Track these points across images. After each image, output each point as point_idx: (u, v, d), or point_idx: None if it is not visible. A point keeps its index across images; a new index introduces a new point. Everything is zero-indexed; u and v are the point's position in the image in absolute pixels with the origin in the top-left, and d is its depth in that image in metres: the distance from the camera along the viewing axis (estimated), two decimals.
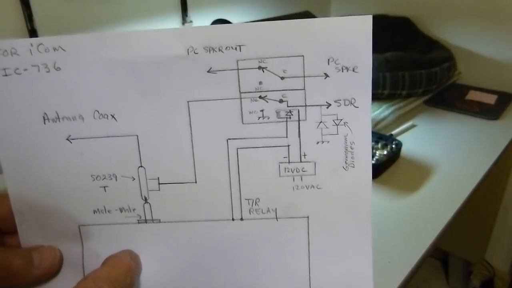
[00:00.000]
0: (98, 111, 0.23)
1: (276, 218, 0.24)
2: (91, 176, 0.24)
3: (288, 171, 0.24)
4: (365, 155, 0.23)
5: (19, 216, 0.24)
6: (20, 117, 0.23)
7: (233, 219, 0.24)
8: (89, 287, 0.21)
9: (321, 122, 0.23)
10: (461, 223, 1.00)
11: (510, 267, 1.12)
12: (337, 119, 0.23)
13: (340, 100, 0.23)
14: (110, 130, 0.23)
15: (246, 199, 0.24)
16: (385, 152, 0.69)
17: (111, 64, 0.22)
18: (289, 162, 0.24)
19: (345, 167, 0.23)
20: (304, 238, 0.24)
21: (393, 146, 0.70)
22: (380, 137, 0.72)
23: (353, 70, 0.22)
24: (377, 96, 0.87)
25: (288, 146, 0.23)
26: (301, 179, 0.24)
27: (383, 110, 0.84)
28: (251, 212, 0.24)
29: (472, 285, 1.18)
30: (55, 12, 0.69)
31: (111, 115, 0.23)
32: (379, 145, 0.71)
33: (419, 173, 0.67)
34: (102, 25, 0.77)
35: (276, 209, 0.24)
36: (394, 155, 0.69)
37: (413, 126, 0.83)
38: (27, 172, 0.24)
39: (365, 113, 0.23)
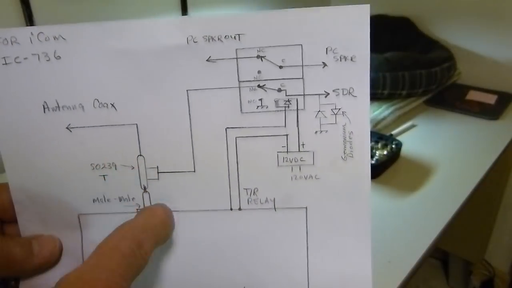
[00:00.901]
0: (98, 100, 0.23)
1: (275, 208, 0.24)
2: (91, 165, 0.24)
3: (286, 161, 0.24)
4: (363, 146, 0.23)
5: (19, 205, 0.24)
6: (20, 106, 0.23)
7: (231, 209, 0.24)
8: (126, 236, 0.20)
9: (319, 111, 0.23)
10: (461, 223, 1.00)
11: (510, 267, 1.12)
12: (335, 108, 0.23)
13: (339, 89, 0.23)
14: (110, 119, 0.23)
15: (244, 188, 0.24)
16: (385, 152, 0.69)
17: (111, 53, 0.22)
18: (287, 151, 0.23)
19: (343, 157, 0.23)
20: (302, 229, 0.24)
21: (393, 146, 0.70)
22: (380, 137, 0.72)
23: (351, 60, 0.22)
24: (377, 96, 0.87)
25: (287, 135, 0.23)
26: (300, 169, 0.24)
27: (383, 110, 0.84)
28: (249, 202, 0.24)
29: (472, 285, 1.18)
30: (55, 12, 0.69)
31: (111, 104, 0.23)
32: (379, 145, 0.71)
33: (419, 173, 0.67)
34: None
35: (274, 199, 0.24)
36: (394, 155, 0.69)
37: (413, 126, 0.83)
38: (27, 161, 0.24)
39: (363, 103, 0.23)
